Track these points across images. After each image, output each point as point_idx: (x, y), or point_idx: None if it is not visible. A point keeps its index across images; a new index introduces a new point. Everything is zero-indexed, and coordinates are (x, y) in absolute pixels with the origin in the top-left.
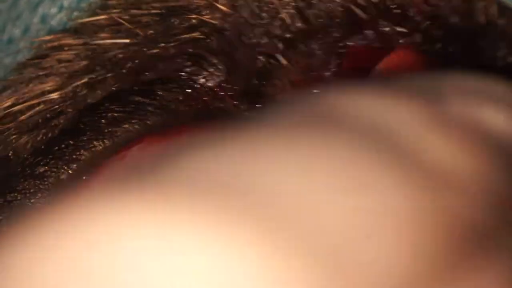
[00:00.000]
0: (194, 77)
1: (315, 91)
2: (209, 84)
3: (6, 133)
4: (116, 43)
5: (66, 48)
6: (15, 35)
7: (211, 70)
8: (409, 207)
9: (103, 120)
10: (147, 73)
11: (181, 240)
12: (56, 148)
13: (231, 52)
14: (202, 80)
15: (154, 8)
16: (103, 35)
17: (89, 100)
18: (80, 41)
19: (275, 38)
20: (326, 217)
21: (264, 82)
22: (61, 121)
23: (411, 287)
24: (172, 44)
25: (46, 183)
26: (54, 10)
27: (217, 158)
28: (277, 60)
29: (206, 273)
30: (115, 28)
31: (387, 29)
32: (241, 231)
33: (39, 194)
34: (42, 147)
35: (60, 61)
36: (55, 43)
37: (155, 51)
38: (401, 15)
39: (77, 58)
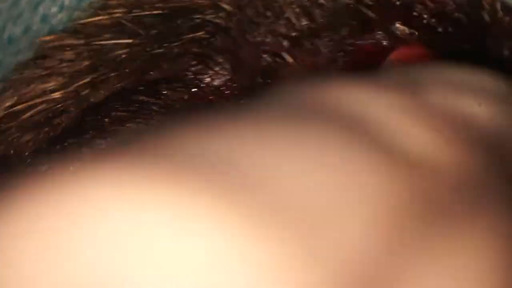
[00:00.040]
0: (200, 76)
1: (301, 83)
2: (215, 83)
3: (8, 132)
4: (119, 43)
5: (68, 48)
6: (15, 35)
7: (217, 69)
8: (384, 190)
9: (106, 119)
10: (151, 73)
11: (167, 219)
12: (58, 146)
13: (236, 51)
14: (208, 79)
15: (157, 8)
16: (105, 35)
17: (92, 99)
18: (82, 41)
19: (280, 37)
20: (303, 194)
21: (270, 81)
22: (64, 120)
23: (378, 261)
24: (176, 44)
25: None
26: (54, 9)
27: (205, 140)
28: (283, 59)
29: (189, 251)
30: (117, 28)
31: (393, 26)
32: (224, 209)
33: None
34: (44, 145)
35: (62, 61)
36: (57, 43)
37: (159, 51)
38: (407, 13)
39: (79, 58)
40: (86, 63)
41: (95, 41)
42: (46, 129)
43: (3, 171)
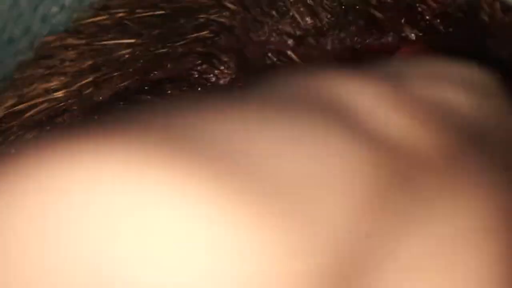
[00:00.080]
0: (205, 76)
1: (293, 74)
2: (221, 82)
3: (9, 131)
4: (121, 43)
5: (69, 48)
6: (15, 35)
7: (222, 68)
8: (367, 172)
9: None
10: (155, 73)
11: (164, 200)
12: None
13: (241, 49)
14: (213, 78)
15: (159, 8)
16: (107, 35)
17: (95, 99)
18: (83, 41)
19: (285, 35)
20: (295, 180)
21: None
22: (66, 119)
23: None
24: (180, 44)
25: None
26: (55, 9)
27: (205, 124)
28: (288, 57)
29: (175, 231)
30: (119, 29)
31: (400, 26)
32: (222, 193)
33: None
34: None
35: (64, 60)
36: (58, 43)
37: (162, 50)
38: (412, 12)
39: (81, 58)
40: (89, 62)
41: (97, 41)
42: (48, 128)
43: None
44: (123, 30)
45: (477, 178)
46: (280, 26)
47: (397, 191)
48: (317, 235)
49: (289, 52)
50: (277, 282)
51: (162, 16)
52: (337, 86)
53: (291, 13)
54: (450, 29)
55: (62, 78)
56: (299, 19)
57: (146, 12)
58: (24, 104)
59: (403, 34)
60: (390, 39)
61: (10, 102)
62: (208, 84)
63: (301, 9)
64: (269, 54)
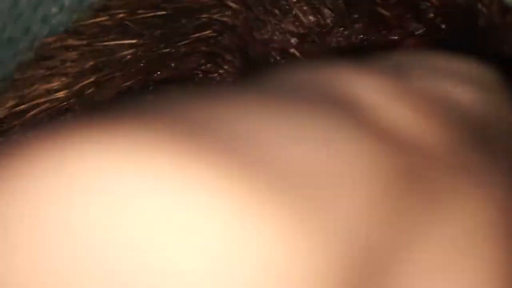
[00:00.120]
0: (210, 75)
1: (295, 66)
2: (225, 81)
3: (11, 131)
4: (122, 44)
5: (70, 49)
6: (15, 35)
7: (226, 67)
8: (373, 166)
9: None
10: (158, 72)
11: (169, 188)
12: None
13: (245, 48)
14: (217, 78)
15: (160, 9)
16: (108, 36)
17: (97, 98)
18: (84, 41)
19: (288, 34)
20: (302, 169)
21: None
22: (68, 118)
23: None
24: (183, 43)
25: None
26: (55, 10)
27: (210, 112)
28: (292, 55)
29: (194, 223)
30: (120, 29)
31: (405, 23)
32: (230, 181)
33: None
34: None
35: (65, 61)
36: (59, 44)
37: (165, 50)
38: (415, 9)
39: (82, 59)
40: (90, 63)
41: (98, 42)
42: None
43: None
44: (124, 30)
45: (481, 175)
46: (283, 25)
47: (408, 187)
48: (334, 232)
49: (292, 50)
50: (296, 277)
51: (163, 17)
52: (341, 79)
53: (293, 12)
54: (451, 26)
55: (64, 78)
56: (302, 17)
57: (147, 13)
58: (25, 105)
59: (408, 31)
60: (395, 35)
61: (11, 103)
62: (212, 82)
63: (304, 7)
64: (273, 53)
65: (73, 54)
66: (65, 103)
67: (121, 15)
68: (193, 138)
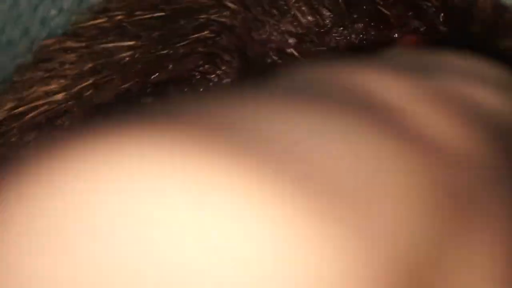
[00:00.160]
0: (208, 76)
1: (312, 64)
2: (223, 81)
3: (9, 133)
4: (121, 46)
5: (69, 51)
6: (14, 37)
7: (224, 68)
8: (402, 173)
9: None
10: (156, 74)
11: (193, 189)
12: None
13: (243, 49)
14: (216, 79)
15: (159, 10)
16: (107, 38)
17: (95, 101)
18: (83, 44)
19: (287, 34)
20: (336, 174)
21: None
22: (66, 120)
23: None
24: (181, 44)
25: None
26: (54, 12)
27: (230, 112)
28: (290, 55)
29: (238, 233)
30: (118, 31)
31: (403, 21)
32: (257, 183)
33: None
34: None
35: (63, 63)
36: (58, 46)
37: (163, 52)
38: (417, 8)
39: (81, 61)
40: (89, 65)
41: (97, 44)
42: (48, 129)
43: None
44: (122, 32)
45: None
46: (281, 25)
47: (446, 200)
48: (379, 243)
49: (291, 50)
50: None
51: (161, 18)
52: (363, 78)
53: (292, 12)
54: (451, 25)
55: (62, 80)
56: (300, 17)
57: (146, 14)
58: (24, 107)
59: (410, 29)
60: (395, 34)
61: (10, 105)
62: (211, 84)
63: (302, 8)
64: (271, 53)
65: (71, 56)
66: (63, 105)
67: (119, 17)
68: (232, 148)
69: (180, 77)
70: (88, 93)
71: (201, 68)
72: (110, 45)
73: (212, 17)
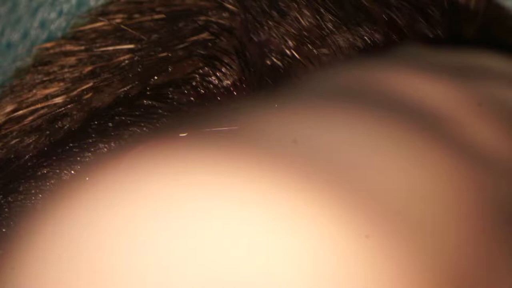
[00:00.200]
0: (207, 78)
1: (344, 65)
2: (223, 84)
3: (9, 136)
4: (120, 49)
5: (68, 55)
6: (14, 40)
7: (224, 70)
8: (451, 183)
9: (109, 123)
10: (156, 77)
11: (246, 205)
12: (60, 150)
13: (242, 51)
14: (216, 81)
15: (158, 13)
16: (106, 41)
17: (95, 104)
18: (82, 47)
19: (287, 36)
20: (384, 182)
21: (279, 80)
22: (66, 123)
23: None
24: (180, 47)
25: (47, 184)
26: (53, 15)
27: (276, 124)
28: (290, 57)
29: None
30: (118, 34)
31: (413, 25)
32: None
33: (40, 195)
34: (46, 149)
35: (63, 66)
36: (57, 50)
37: (162, 55)
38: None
39: (80, 64)
40: (88, 68)
41: (96, 47)
42: (48, 132)
43: (4, 176)
44: (122, 35)
45: None
46: (281, 27)
47: (496, 210)
48: (440, 266)
49: (292, 52)
50: None
51: (161, 20)
52: (402, 80)
53: (292, 14)
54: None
55: (62, 84)
56: (301, 19)
57: (145, 17)
58: (24, 110)
59: (420, 33)
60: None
61: (10, 108)
62: (210, 86)
63: (303, 10)
64: (272, 55)
65: (71, 60)
66: (62, 108)
67: (118, 20)
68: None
69: (179, 80)
70: (87, 96)
71: (200, 71)
72: (110, 48)
73: (211, 19)
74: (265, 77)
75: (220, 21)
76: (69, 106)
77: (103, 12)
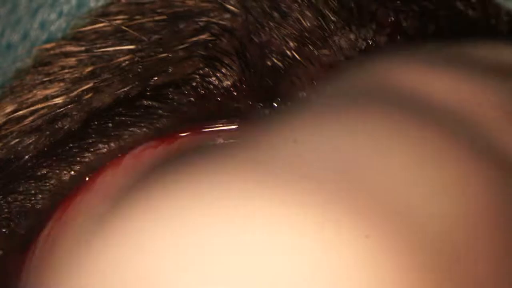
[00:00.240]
0: (208, 79)
1: (364, 64)
2: (223, 84)
3: (9, 137)
4: (120, 50)
5: (69, 55)
6: (14, 41)
7: (224, 70)
8: (459, 179)
9: (109, 124)
10: (156, 78)
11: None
12: (60, 150)
13: (243, 52)
14: (216, 81)
15: (159, 14)
16: (107, 42)
17: (95, 104)
18: (83, 48)
19: (288, 37)
20: (409, 193)
21: (280, 80)
22: (66, 124)
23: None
24: (181, 47)
25: (47, 184)
26: (53, 16)
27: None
28: (292, 58)
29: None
30: (119, 35)
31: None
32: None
33: (40, 196)
34: (45, 149)
35: (63, 67)
36: (57, 50)
37: (163, 55)
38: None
39: (80, 65)
40: (88, 69)
41: (97, 48)
42: (48, 133)
43: (4, 176)
44: (122, 36)
45: None
46: (282, 28)
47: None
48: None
49: (292, 53)
50: None
51: (162, 21)
52: (427, 81)
53: (293, 15)
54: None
55: (62, 84)
56: (302, 20)
57: (146, 18)
58: (24, 111)
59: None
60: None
61: (10, 109)
62: (210, 86)
63: (305, 11)
64: (272, 56)
65: (71, 60)
66: (62, 109)
67: (119, 21)
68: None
69: (180, 80)
70: (87, 96)
71: (200, 71)
72: (110, 49)
73: (212, 20)
74: (265, 78)
75: (221, 22)
76: (69, 106)
77: (103, 13)
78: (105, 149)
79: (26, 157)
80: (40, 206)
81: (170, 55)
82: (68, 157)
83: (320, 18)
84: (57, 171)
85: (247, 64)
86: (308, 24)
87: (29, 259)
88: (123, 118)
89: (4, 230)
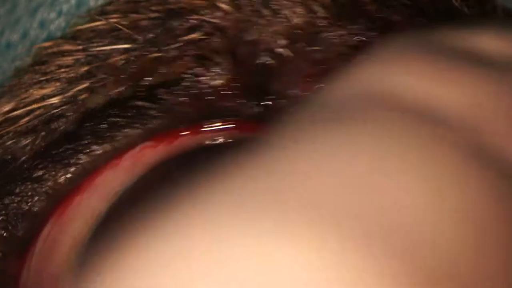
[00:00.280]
0: (199, 78)
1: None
2: (215, 83)
3: (5, 137)
4: (116, 49)
5: (66, 54)
6: (13, 40)
7: (216, 69)
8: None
9: (103, 125)
10: (149, 78)
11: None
12: (55, 151)
13: (234, 50)
14: (207, 80)
15: (153, 12)
16: (103, 41)
17: (89, 105)
18: (80, 47)
19: (279, 34)
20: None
21: (272, 78)
22: (61, 124)
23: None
24: (173, 47)
25: (43, 186)
26: (53, 15)
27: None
28: (283, 56)
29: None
30: (115, 34)
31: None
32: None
33: (36, 197)
34: (42, 150)
35: (60, 66)
36: (55, 49)
37: (156, 55)
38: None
39: (77, 64)
40: (84, 69)
41: (93, 46)
42: (43, 133)
43: (1, 177)
44: (118, 35)
45: None
46: (273, 25)
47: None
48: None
49: (283, 51)
50: None
51: (155, 19)
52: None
53: (284, 12)
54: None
55: (58, 84)
56: (293, 17)
57: (141, 16)
58: (20, 110)
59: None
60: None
61: (7, 108)
62: (202, 85)
63: (295, 8)
64: (263, 53)
65: (68, 60)
66: (58, 109)
67: (115, 20)
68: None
69: (171, 80)
70: (82, 97)
71: (193, 70)
72: (106, 48)
73: (204, 18)
74: (257, 76)
75: (213, 20)
76: (64, 107)
77: (102, 12)
78: (100, 151)
79: (23, 158)
80: (37, 208)
81: (162, 55)
82: (64, 158)
83: (311, 15)
84: (53, 172)
85: (239, 62)
86: (299, 21)
87: (29, 260)
88: (117, 119)
89: (2, 233)
